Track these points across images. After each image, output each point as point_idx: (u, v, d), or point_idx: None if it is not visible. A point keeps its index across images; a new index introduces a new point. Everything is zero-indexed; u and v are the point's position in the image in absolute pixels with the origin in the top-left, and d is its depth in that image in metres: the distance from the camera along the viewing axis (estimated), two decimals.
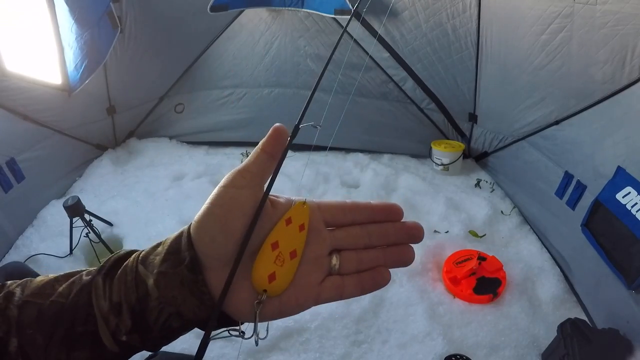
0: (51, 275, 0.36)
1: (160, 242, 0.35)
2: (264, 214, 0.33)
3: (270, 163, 0.34)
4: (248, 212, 0.33)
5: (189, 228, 0.34)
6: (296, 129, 0.37)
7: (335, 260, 0.35)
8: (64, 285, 0.34)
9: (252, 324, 0.32)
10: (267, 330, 0.33)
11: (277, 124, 0.35)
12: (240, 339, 0.33)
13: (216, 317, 0.31)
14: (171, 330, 0.33)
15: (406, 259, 0.36)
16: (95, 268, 0.36)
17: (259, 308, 0.32)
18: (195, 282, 0.32)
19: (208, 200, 0.33)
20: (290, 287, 0.33)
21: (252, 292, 0.33)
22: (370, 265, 0.35)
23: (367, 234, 0.36)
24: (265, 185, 0.34)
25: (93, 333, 0.33)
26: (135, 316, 0.33)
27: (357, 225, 0.36)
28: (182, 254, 0.32)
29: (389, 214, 0.37)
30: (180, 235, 0.34)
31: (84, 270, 0.36)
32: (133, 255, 0.35)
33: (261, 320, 0.33)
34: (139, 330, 0.33)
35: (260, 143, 0.35)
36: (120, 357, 0.34)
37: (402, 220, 0.37)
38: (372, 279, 0.35)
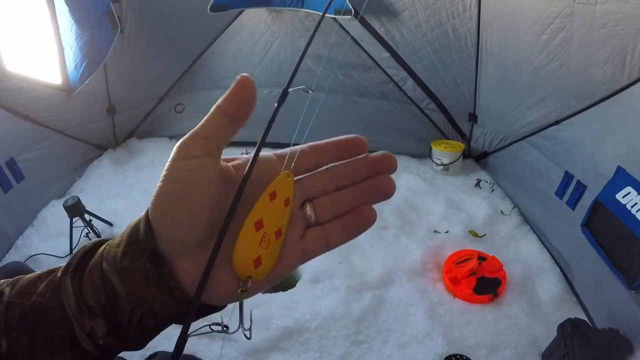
0: (38, 273, 0.33)
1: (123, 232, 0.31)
2: (228, 181, 0.29)
3: (230, 126, 0.28)
4: (212, 184, 0.28)
5: (147, 213, 0.29)
6: (285, 92, 0.34)
7: (310, 211, 0.31)
8: (44, 283, 0.31)
9: (235, 318, 0.29)
10: (251, 320, 0.29)
11: (243, 74, 0.28)
12: (235, 334, 0.29)
13: (193, 314, 0.27)
14: (148, 330, 0.30)
15: (386, 190, 0.32)
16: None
17: (243, 297, 0.28)
18: (160, 275, 0.28)
19: (161, 177, 0.27)
20: None
21: (232, 274, 0.28)
22: (348, 207, 0.32)
23: (336, 175, 0.32)
24: (247, 169, 0.29)
25: (71, 336, 0.30)
26: (108, 318, 0.29)
27: (322, 168, 0.33)
28: (141, 244, 0.28)
29: (353, 149, 0.33)
30: (138, 223, 0.29)
31: (63, 266, 0.32)
32: (100, 249, 0.31)
33: (250, 295, 0.29)
34: (115, 333, 0.30)
35: (219, 100, 0.28)
36: (103, 359, 0.32)
37: (372, 154, 0.33)
38: (355, 220, 0.32)
